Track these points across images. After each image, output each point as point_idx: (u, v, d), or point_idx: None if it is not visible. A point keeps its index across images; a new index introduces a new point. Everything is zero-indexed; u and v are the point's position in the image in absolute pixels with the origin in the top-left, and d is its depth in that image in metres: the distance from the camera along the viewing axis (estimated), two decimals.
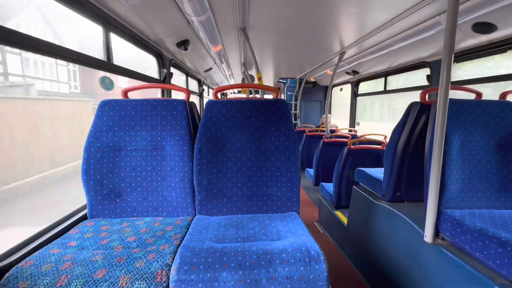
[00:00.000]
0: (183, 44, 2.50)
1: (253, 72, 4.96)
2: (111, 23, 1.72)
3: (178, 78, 3.77)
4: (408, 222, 1.44)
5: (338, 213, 2.50)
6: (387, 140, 1.83)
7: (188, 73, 4.05)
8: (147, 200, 1.39)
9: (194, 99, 5.01)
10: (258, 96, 5.07)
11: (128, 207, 1.37)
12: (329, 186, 2.85)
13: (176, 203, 1.40)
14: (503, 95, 1.52)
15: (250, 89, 5.13)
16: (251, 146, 1.44)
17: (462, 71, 2.44)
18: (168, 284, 0.88)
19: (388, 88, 3.71)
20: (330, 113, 5.91)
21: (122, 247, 1.06)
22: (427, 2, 1.65)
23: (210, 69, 4.40)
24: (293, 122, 6.44)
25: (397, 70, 3.34)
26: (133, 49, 1.98)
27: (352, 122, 4.81)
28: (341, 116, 5.85)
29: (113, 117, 1.39)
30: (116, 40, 1.82)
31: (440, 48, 2.35)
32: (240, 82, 6.73)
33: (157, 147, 1.41)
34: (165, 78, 2.73)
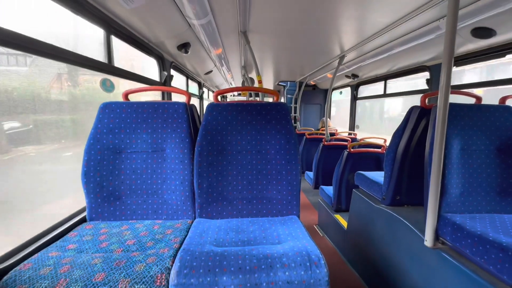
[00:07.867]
0: (184, 47, 2.51)
1: (253, 75, 4.98)
2: (112, 26, 1.73)
3: (179, 80, 3.77)
4: (408, 226, 1.43)
5: (338, 217, 2.49)
6: (387, 143, 1.82)
7: (188, 76, 4.06)
8: (147, 202, 1.38)
9: (194, 101, 5.02)
10: (258, 99, 5.08)
11: (128, 209, 1.36)
12: (329, 190, 2.84)
13: (176, 206, 1.39)
14: (503, 99, 1.52)
15: (250, 92, 5.15)
16: (252, 149, 1.44)
17: None
18: None
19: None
20: (329, 116, 5.92)
21: (122, 250, 1.05)
22: (427, 6, 1.66)
23: (211, 71, 4.41)
24: (293, 125, 6.47)
25: (397, 74, 3.35)
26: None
27: (352, 125, 4.81)
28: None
29: (114, 120, 1.39)
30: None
31: (439, 52, 2.36)
32: (240, 85, 6.75)
33: (157, 150, 1.41)
34: (166, 81, 2.74)
